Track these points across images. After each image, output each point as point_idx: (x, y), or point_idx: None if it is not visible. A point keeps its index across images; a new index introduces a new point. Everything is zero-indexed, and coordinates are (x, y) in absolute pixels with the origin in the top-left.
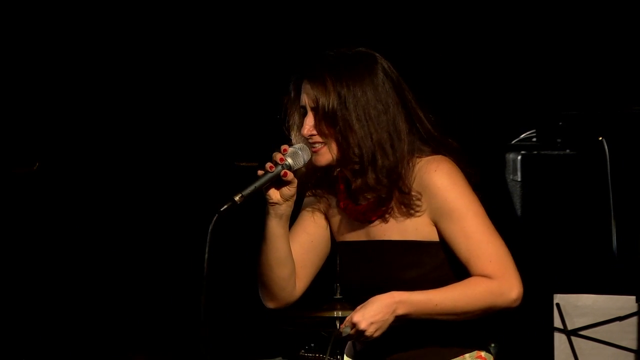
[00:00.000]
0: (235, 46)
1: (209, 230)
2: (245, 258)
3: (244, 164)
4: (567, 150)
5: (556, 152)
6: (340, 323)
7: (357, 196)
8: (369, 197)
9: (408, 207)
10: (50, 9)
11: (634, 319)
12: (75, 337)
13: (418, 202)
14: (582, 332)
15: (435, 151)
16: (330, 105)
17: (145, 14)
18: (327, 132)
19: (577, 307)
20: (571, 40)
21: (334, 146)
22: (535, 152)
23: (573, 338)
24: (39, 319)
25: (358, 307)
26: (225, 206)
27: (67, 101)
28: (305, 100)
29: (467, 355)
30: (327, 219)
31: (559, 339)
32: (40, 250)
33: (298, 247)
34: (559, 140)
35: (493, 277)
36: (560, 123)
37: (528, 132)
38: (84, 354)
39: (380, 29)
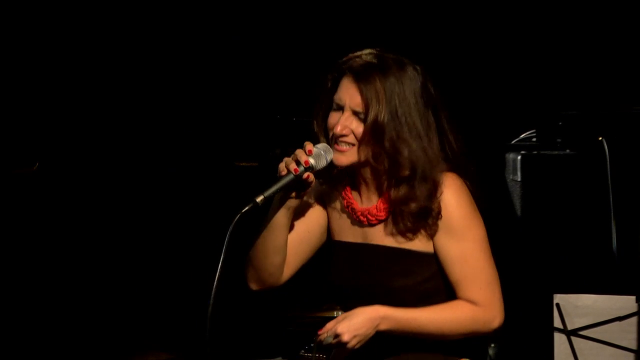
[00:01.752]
0: (236, 46)
1: (229, 231)
2: (244, 258)
3: (244, 164)
4: (567, 150)
5: (556, 152)
6: None
7: (398, 205)
8: (404, 209)
9: (427, 219)
10: (50, 9)
11: (634, 319)
12: (76, 338)
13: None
14: (582, 332)
15: (451, 169)
16: (383, 116)
17: (145, 14)
18: (366, 138)
19: (577, 307)
20: (571, 40)
21: (365, 150)
22: (535, 152)
23: (573, 338)
24: (39, 319)
25: (341, 317)
26: (247, 207)
27: (67, 101)
28: (347, 100)
29: None
30: (328, 215)
31: (559, 339)
32: (40, 250)
33: (295, 235)
34: (559, 140)
35: (479, 304)
36: (560, 123)
37: (528, 132)
38: (85, 354)
39: (381, 29)
